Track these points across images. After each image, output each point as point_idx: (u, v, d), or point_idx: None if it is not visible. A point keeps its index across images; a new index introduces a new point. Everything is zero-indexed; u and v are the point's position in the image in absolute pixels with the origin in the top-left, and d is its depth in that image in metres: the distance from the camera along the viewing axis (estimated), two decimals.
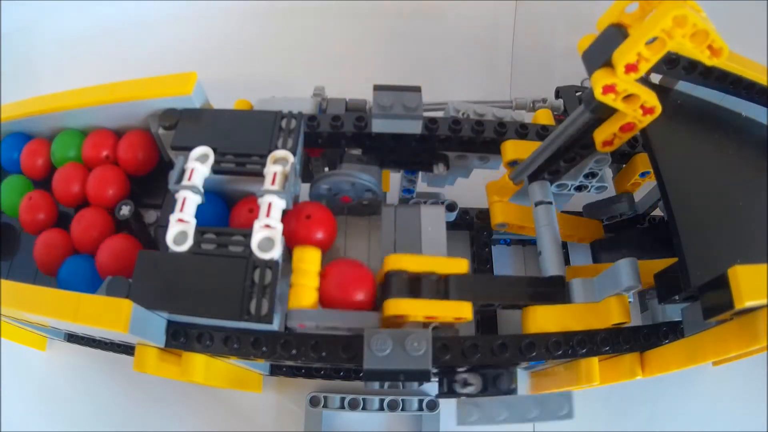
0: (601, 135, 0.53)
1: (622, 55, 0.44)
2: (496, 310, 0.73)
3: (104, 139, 0.63)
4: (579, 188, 0.64)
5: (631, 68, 0.45)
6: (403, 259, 0.52)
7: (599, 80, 0.46)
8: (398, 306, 0.50)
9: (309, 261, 0.52)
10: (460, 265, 0.53)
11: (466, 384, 0.52)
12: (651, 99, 0.48)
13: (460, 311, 0.51)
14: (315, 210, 0.56)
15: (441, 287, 0.52)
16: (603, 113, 0.52)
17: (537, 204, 0.61)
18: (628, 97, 0.48)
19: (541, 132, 0.64)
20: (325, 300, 0.52)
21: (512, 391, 0.53)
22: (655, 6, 0.44)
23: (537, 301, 0.55)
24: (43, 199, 0.61)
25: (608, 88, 0.47)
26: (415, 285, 0.52)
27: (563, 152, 0.58)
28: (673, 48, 0.44)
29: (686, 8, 0.42)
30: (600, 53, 0.47)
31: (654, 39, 0.43)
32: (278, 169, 0.53)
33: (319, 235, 0.55)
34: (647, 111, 0.50)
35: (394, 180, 0.74)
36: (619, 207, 0.68)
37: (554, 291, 0.56)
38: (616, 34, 0.46)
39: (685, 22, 0.42)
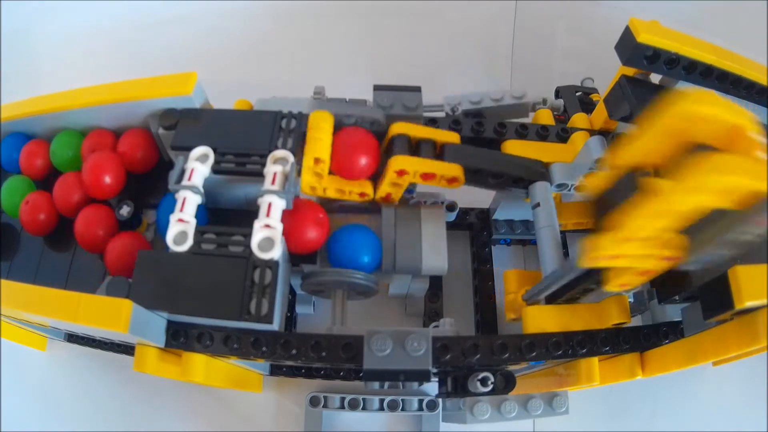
0: (617, 280, 0.47)
1: (636, 229, 0.38)
2: (496, 309, 0.74)
3: (103, 138, 0.63)
4: (579, 188, 0.64)
5: (645, 239, 0.38)
6: (405, 126, 0.57)
7: (603, 249, 0.41)
8: (401, 162, 0.54)
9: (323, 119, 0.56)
10: (454, 137, 0.59)
11: (487, 382, 0.52)
12: (674, 251, 0.41)
13: (453, 171, 0.56)
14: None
15: (437, 152, 0.58)
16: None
17: (537, 206, 0.61)
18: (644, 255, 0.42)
19: (541, 132, 0.64)
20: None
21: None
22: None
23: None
24: (41, 199, 0.61)
25: (613, 256, 0.41)
26: (415, 149, 0.58)
27: (576, 284, 0.53)
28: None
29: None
30: (606, 211, 0.41)
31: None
32: (278, 169, 0.53)
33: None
34: (671, 259, 0.43)
35: None
36: None
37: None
38: (630, 186, 0.39)
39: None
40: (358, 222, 0.63)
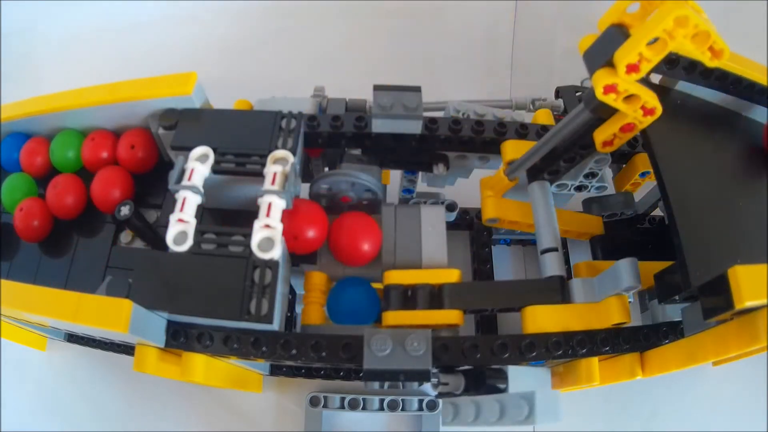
0: (601, 135, 0.53)
1: (624, 56, 0.44)
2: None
3: (103, 140, 0.63)
4: (579, 188, 0.64)
5: (632, 68, 0.44)
6: (398, 275, 0.57)
7: (600, 80, 0.46)
8: (396, 317, 0.55)
9: (317, 282, 0.58)
10: (452, 275, 0.57)
11: (439, 384, 0.52)
12: (652, 100, 0.48)
13: (451, 318, 0.54)
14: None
15: (435, 295, 0.56)
16: (603, 113, 0.51)
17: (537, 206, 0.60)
18: (629, 98, 0.48)
19: (541, 132, 0.64)
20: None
21: (500, 390, 0.53)
22: (656, 6, 0.44)
23: (531, 304, 0.54)
24: (35, 206, 0.61)
25: (609, 88, 0.46)
26: (412, 295, 0.56)
27: (563, 152, 0.58)
28: (675, 48, 0.44)
29: (688, 9, 0.42)
30: (601, 53, 0.47)
31: (655, 39, 0.43)
32: (278, 169, 0.53)
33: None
34: (648, 112, 0.49)
35: (394, 179, 0.74)
36: (616, 204, 0.68)
37: (550, 292, 0.56)
38: (617, 34, 0.46)
39: (686, 22, 0.42)
40: None
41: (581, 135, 0.55)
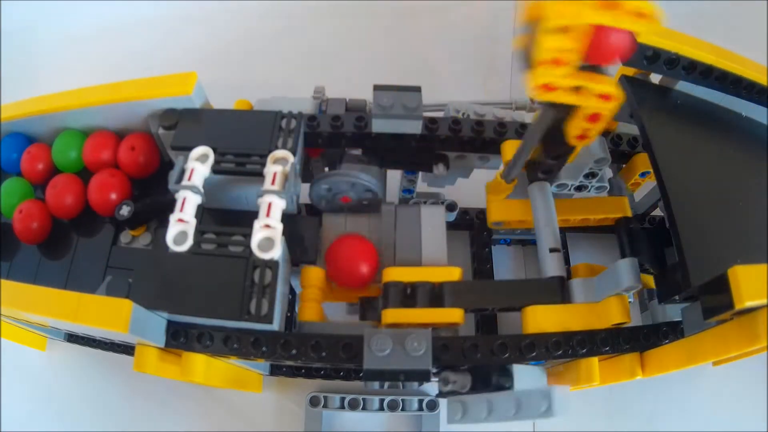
0: (571, 130, 0.50)
1: (540, 53, 0.41)
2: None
3: (105, 140, 0.63)
4: (579, 188, 0.64)
5: (556, 62, 0.41)
6: (398, 271, 0.56)
7: (533, 82, 0.43)
8: (395, 315, 0.54)
9: (315, 278, 0.57)
10: (453, 273, 0.56)
11: (447, 382, 0.52)
12: (603, 86, 0.44)
13: (452, 317, 0.54)
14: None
15: (436, 294, 0.55)
16: (564, 109, 0.48)
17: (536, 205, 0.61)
18: (579, 89, 0.44)
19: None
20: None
21: (505, 387, 0.53)
22: None
23: (532, 304, 0.54)
24: (34, 208, 0.61)
25: (546, 87, 0.43)
26: (412, 293, 0.55)
27: (547, 153, 0.56)
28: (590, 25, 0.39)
29: None
30: (527, 54, 0.43)
31: (564, 27, 0.38)
32: (278, 169, 0.53)
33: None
34: (606, 98, 0.45)
35: (394, 179, 0.74)
36: None
37: (549, 293, 0.55)
38: (533, 29, 0.42)
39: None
40: (357, 221, 0.63)
41: (556, 132, 0.51)
